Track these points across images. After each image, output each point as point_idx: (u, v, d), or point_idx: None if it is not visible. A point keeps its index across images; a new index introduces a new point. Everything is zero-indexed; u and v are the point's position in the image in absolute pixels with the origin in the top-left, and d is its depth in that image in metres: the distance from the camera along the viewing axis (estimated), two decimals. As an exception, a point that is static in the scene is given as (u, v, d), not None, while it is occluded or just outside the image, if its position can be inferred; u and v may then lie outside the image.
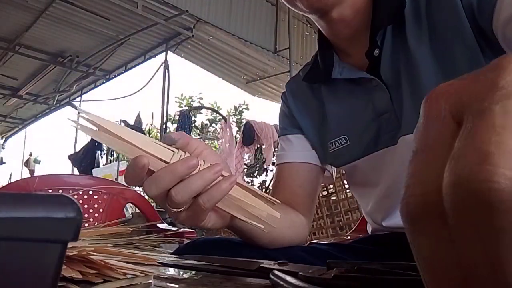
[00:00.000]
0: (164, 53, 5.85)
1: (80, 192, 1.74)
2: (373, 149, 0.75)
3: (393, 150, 0.71)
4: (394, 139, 0.71)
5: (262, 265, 0.44)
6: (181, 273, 0.50)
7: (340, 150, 0.79)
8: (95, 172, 5.73)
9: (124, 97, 6.59)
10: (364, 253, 0.72)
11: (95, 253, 0.45)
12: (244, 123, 5.72)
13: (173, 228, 1.76)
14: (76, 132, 7.32)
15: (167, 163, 0.45)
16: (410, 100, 0.68)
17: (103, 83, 7.18)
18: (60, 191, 1.68)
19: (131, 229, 0.61)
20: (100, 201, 1.78)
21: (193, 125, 8.01)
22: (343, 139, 0.78)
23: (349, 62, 0.76)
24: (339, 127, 0.79)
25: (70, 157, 6.61)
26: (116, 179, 5.47)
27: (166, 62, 5.74)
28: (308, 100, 0.85)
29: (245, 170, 6.11)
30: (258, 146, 5.54)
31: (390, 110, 0.71)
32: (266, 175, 6.97)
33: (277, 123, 0.92)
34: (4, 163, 9.62)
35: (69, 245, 0.31)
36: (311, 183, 0.84)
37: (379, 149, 0.74)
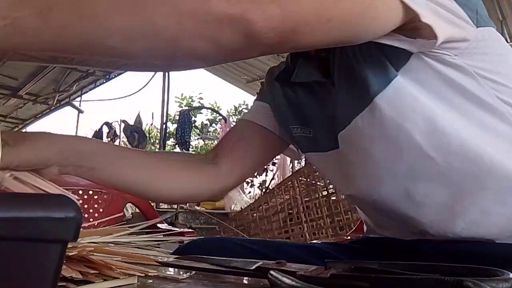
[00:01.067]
0: (164, 53, 5.84)
1: (80, 192, 1.74)
2: (324, 149, 0.73)
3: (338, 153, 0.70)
4: (331, 145, 0.69)
5: (260, 265, 0.44)
6: (181, 273, 0.50)
7: (302, 138, 0.77)
8: (95, 172, 5.72)
9: (124, 97, 6.59)
10: (362, 253, 0.72)
11: (95, 253, 0.46)
12: (244, 123, 5.70)
13: (173, 228, 1.77)
14: (76, 133, 7.32)
15: None
16: (345, 100, 0.67)
17: (103, 83, 7.17)
18: (60, 191, 1.67)
19: (130, 229, 0.61)
20: (100, 201, 1.78)
21: (193, 125, 8.01)
22: (304, 129, 0.76)
23: (310, 63, 0.73)
24: (302, 119, 0.76)
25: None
26: (116, 179, 5.47)
27: (166, 62, 5.73)
28: (283, 89, 0.81)
29: (245, 170, 6.10)
30: (258, 146, 5.54)
31: (336, 113, 0.69)
32: (266, 175, 6.97)
33: None
34: (4, 163, 9.60)
35: (69, 245, 0.31)
36: (261, 148, 0.81)
37: (328, 149, 0.72)
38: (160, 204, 4.63)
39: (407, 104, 0.60)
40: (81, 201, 1.69)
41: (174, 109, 9.30)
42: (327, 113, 0.71)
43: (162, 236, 0.67)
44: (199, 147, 11.43)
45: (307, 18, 0.49)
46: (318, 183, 2.83)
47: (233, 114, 11.03)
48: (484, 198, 0.60)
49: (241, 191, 5.10)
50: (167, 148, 7.23)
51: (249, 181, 7.23)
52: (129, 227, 0.63)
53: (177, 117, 6.16)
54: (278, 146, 0.83)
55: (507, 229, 0.62)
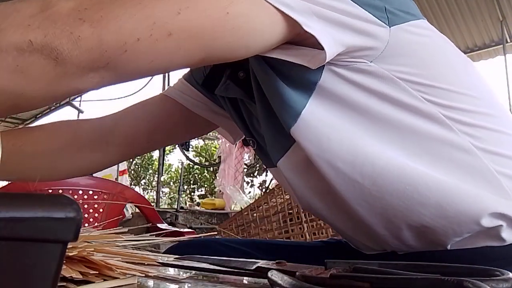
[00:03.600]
0: (164, 53, 5.84)
1: (80, 192, 1.74)
2: (267, 164, 0.72)
3: (276, 171, 0.68)
4: (272, 162, 0.67)
5: (260, 265, 0.44)
6: (181, 273, 0.50)
7: (255, 150, 0.76)
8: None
9: (124, 97, 6.58)
10: (359, 252, 0.72)
11: (95, 253, 0.46)
12: (244, 123, 5.70)
13: (173, 228, 1.77)
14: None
15: None
16: (267, 124, 0.64)
17: (103, 83, 7.16)
18: (60, 191, 1.68)
19: (127, 230, 0.61)
20: (100, 201, 1.78)
21: (193, 125, 7.99)
22: (251, 141, 0.75)
23: (236, 80, 0.69)
24: (245, 129, 0.75)
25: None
26: (116, 179, 5.47)
27: (166, 62, 5.73)
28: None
29: (245, 170, 6.11)
30: (258, 146, 5.54)
31: (263, 133, 0.67)
32: (266, 175, 6.97)
33: None
34: (4, 163, 9.60)
35: (69, 245, 0.31)
36: (171, 127, 0.79)
37: (270, 166, 0.71)
38: (160, 204, 4.63)
39: (321, 134, 0.57)
40: (81, 201, 1.70)
41: (174, 109, 9.27)
42: (260, 132, 0.68)
43: (162, 236, 0.68)
44: (199, 147, 11.44)
45: (134, 34, 0.44)
46: (318, 183, 2.82)
47: (233, 114, 11.00)
48: (424, 214, 0.56)
49: (241, 191, 5.10)
50: (168, 148, 7.23)
51: (249, 181, 7.23)
52: (128, 228, 0.63)
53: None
54: (197, 127, 0.81)
55: (456, 235, 0.57)
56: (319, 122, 0.57)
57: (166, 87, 5.33)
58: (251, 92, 0.66)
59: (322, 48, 0.51)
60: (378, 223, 0.59)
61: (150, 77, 5.82)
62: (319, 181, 0.60)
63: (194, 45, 0.48)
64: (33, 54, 0.41)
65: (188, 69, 0.82)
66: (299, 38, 0.53)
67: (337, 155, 0.56)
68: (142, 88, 6.11)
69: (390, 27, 0.55)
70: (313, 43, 0.51)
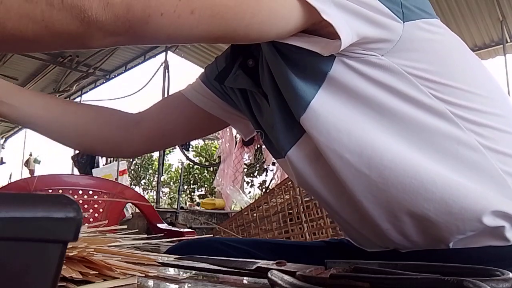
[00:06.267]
0: (164, 53, 5.84)
1: (80, 192, 1.74)
2: (278, 156, 0.72)
3: (285, 162, 0.68)
4: (281, 153, 0.67)
5: (260, 265, 0.44)
6: (181, 273, 0.50)
7: (264, 141, 0.75)
8: (95, 172, 5.73)
9: (124, 97, 6.58)
10: (356, 251, 0.72)
11: (95, 253, 0.46)
12: (244, 123, 5.69)
13: (173, 228, 1.77)
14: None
15: None
16: (278, 114, 0.64)
17: (103, 83, 7.18)
18: (60, 191, 1.68)
19: (126, 228, 0.61)
20: (100, 201, 1.78)
21: (193, 125, 7.98)
22: (257, 130, 0.75)
23: (245, 69, 0.70)
24: (254, 120, 0.75)
25: (73, 158, 6.61)
26: (116, 179, 5.47)
27: (166, 62, 5.74)
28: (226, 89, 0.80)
29: (245, 170, 6.11)
30: (258, 146, 5.54)
31: (273, 123, 0.67)
32: (266, 175, 6.98)
33: None
34: (4, 163, 9.61)
35: (69, 245, 0.31)
36: (186, 122, 0.83)
37: (278, 157, 0.71)
38: (160, 204, 4.63)
39: (330, 124, 0.57)
40: (81, 201, 1.70)
41: (174, 109, 9.27)
42: (270, 122, 0.68)
43: (162, 236, 0.68)
44: (199, 147, 11.44)
45: (159, 8, 0.45)
46: (318, 183, 2.82)
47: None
48: (429, 209, 0.56)
49: (241, 191, 5.10)
50: (168, 148, 7.22)
51: (249, 181, 7.23)
52: (128, 228, 0.63)
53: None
54: (210, 124, 0.84)
55: (460, 233, 0.57)
56: (328, 112, 0.57)
57: (166, 87, 5.28)
58: (259, 82, 0.67)
59: (335, 38, 0.51)
60: (382, 216, 0.59)
61: (150, 78, 5.83)
62: (328, 172, 0.60)
63: (213, 24, 0.49)
64: (62, 12, 0.42)
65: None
66: (313, 27, 0.54)
67: (345, 146, 0.57)
68: (142, 88, 6.11)
69: (404, 22, 0.55)
70: (327, 33, 0.52)
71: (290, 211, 2.74)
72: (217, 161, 6.04)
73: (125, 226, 0.60)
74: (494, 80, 0.64)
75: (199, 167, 9.57)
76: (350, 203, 0.62)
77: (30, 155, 10.20)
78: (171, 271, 0.51)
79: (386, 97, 0.56)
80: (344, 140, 0.57)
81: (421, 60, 0.57)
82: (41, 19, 0.42)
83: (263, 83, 0.67)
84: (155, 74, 5.85)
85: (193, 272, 0.50)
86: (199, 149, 11.32)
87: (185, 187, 11.29)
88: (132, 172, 11.11)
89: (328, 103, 0.57)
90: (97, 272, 0.42)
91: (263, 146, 5.47)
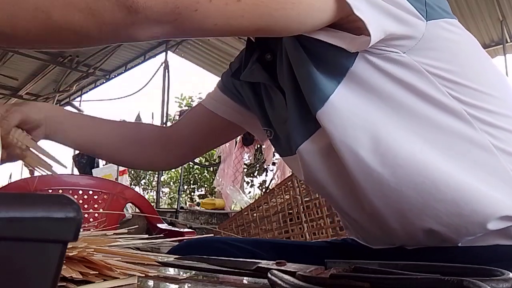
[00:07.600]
0: (164, 53, 5.84)
1: (80, 192, 1.74)
2: (284, 153, 0.72)
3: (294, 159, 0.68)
4: (290, 150, 0.67)
5: (260, 265, 0.44)
6: (181, 273, 0.50)
7: (270, 139, 0.76)
8: (95, 172, 5.73)
9: (124, 97, 6.58)
10: (359, 251, 0.72)
11: (95, 253, 0.46)
12: (244, 123, 5.69)
13: (173, 228, 1.77)
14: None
15: None
16: (294, 108, 0.64)
17: (103, 83, 7.17)
18: (60, 191, 1.68)
19: (126, 231, 0.61)
20: (100, 201, 1.78)
21: (193, 125, 7.98)
22: (266, 129, 0.76)
23: (261, 64, 0.70)
24: (264, 119, 0.76)
25: (74, 158, 6.61)
26: (116, 179, 5.47)
27: (166, 62, 5.73)
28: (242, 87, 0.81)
29: (245, 170, 6.11)
30: (258, 146, 5.54)
31: (286, 117, 0.67)
32: (266, 175, 6.97)
33: None
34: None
35: (69, 245, 0.31)
36: (210, 132, 0.86)
37: (286, 155, 0.72)
38: (160, 204, 4.63)
39: (347, 120, 0.57)
40: (81, 201, 1.70)
41: (174, 109, 9.29)
42: (282, 117, 0.68)
43: (162, 236, 0.68)
44: (199, 147, 11.40)
45: None
46: (318, 183, 2.82)
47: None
48: (439, 210, 0.56)
49: (241, 191, 5.10)
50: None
51: (249, 181, 7.23)
52: (128, 228, 0.63)
53: (177, 117, 6.14)
54: (231, 130, 0.88)
55: (469, 234, 0.58)
56: (346, 107, 0.57)
57: (166, 87, 5.28)
58: (275, 76, 0.67)
59: (359, 34, 0.52)
60: (391, 215, 0.59)
61: (150, 78, 5.83)
62: (339, 168, 0.60)
63: (257, 13, 0.49)
64: (109, 0, 0.42)
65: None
66: (341, 22, 0.54)
67: (360, 142, 0.57)
68: (142, 88, 6.12)
69: (427, 21, 0.56)
70: (352, 28, 0.53)
71: (290, 211, 2.74)
72: (217, 161, 6.03)
73: (125, 231, 0.60)
74: (507, 82, 0.65)
75: (199, 167, 9.57)
76: (359, 201, 0.61)
77: (30, 155, 10.18)
78: (171, 271, 0.51)
79: (405, 95, 0.56)
80: (359, 135, 0.57)
81: (441, 59, 0.57)
82: (88, 7, 0.42)
83: (280, 76, 0.67)
84: (155, 74, 5.85)
85: (193, 272, 0.50)
86: (199, 149, 11.29)
87: (185, 187, 11.27)
88: (132, 172, 11.10)
89: (346, 99, 0.57)
90: (97, 272, 0.42)
91: (263, 146, 5.47)
